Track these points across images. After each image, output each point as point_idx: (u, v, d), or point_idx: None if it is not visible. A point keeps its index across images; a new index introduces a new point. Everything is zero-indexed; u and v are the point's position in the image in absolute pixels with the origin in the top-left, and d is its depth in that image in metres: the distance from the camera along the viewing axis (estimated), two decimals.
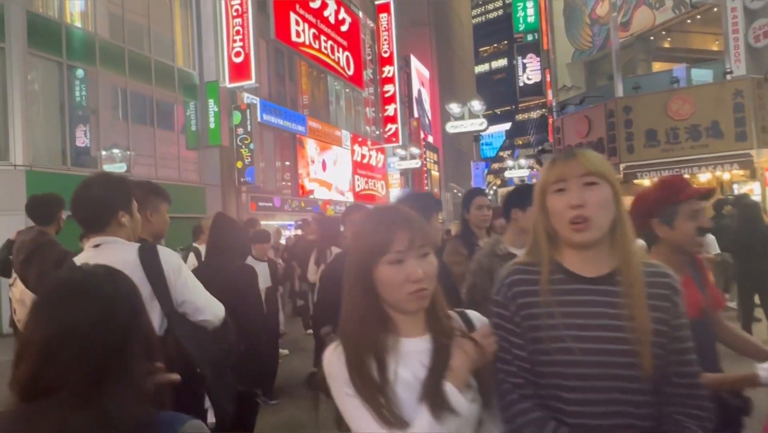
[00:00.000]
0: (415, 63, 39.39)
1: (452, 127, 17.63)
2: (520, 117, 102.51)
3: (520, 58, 17.88)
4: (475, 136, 18.46)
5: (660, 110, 12.06)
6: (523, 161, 32.90)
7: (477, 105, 17.41)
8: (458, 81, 54.90)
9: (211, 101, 16.51)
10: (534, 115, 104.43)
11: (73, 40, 13.27)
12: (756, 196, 11.60)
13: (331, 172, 24.57)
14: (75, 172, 12.74)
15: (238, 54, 17.39)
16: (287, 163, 21.95)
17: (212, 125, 16.53)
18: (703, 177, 11.87)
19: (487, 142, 71.55)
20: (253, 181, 17.11)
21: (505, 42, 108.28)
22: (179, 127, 16.67)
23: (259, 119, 18.29)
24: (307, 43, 22.66)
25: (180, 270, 2.07)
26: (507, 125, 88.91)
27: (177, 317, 2.02)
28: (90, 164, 13.49)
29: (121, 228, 2.04)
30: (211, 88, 16.71)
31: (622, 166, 12.31)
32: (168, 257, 2.05)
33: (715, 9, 12.47)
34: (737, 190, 11.92)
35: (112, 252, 1.94)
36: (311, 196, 22.54)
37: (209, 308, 2.13)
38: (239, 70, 17.36)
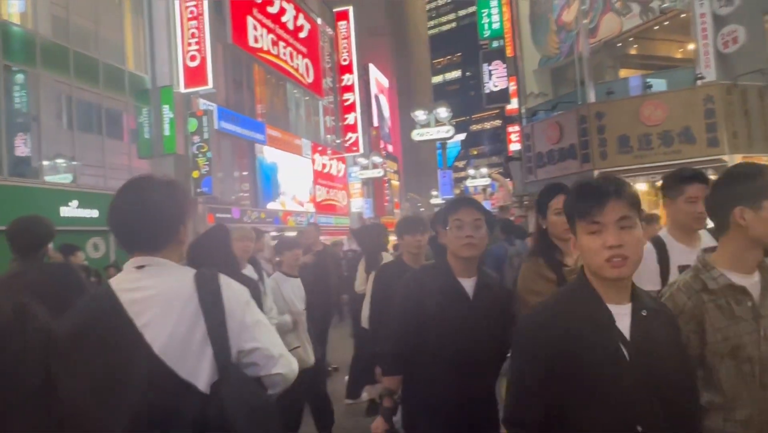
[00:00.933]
0: (374, 72, 39.10)
1: (418, 134, 17.19)
2: (474, 128, 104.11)
3: (485, 65, 17.65)
4: (442, 144, 18.07)
5: (632, 116, 11.93)
6: (484, 170, 32.94)
7: (443, 112, 17.03)
8: (417, 91, 54.99)
9: (165, 107, 15.55)
10: (488, 126, 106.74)
11: (11, 40, 12.16)
12: None
13: (291, 182, 23.77)
14: (13, 183, 11.63)
15: (193, 58, 16.50)
16: (245, 173, 21.06)
17: (167, 132, 15.56)
18: None
19: (440, 154, 72.05)
20: (210, 191, 16.20)
21: (459, 54, 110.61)
22: (130, 135, 15.62)
23: (216, 127, 17.40)
24: (266, 48, 21.91)
25: (249, 307, 1.60)
26: (462, 136, 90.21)
27: (234, 370, 1.52)
28: (31, 175, 12.36)
29: (178, 246, 1.62)
30: (165, 93, 15.75)
31: (595, 173, 12.11)
32: (234, 289, 1.59)
33: (683, 15, 12.50)
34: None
35: (164, 278, 1.53)
36: (271, 208, 21.68)
37: (285, 360, 1.62)
38: (195, 75, 16.47)
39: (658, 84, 12.06)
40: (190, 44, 16.54)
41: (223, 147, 19.02)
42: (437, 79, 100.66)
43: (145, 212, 1.53)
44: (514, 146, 32.45)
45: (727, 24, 11.52)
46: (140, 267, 1.53)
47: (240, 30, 19.77)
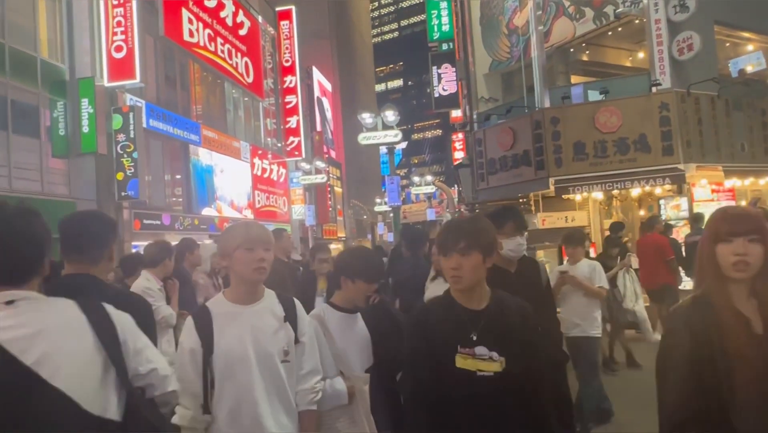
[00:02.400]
0: (317, 75, 38.05)
1: (365, 138, 16.34)
2: (415, 136, 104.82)
3: (434, 68, 17.04)
4: (389, 149, 17.30)
5: (588, 122, 11.54)
6: (429, 177, 32.50)
7: (391, 115, 16.26)
8: (360, 97, 54.25)
9: (84, 101, 14.01)
10: (429, 135, 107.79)
11: None
12: (683, 212, 11.37)
13: (228, 186, 22.37)
14: None
15: (119, 49, 15.01)
16: (178, 176, 19.54)
17: (86, 129, 14.01)
18: (635, 192, 11.48)
19: (384, 160, 71.76)
20: (137, 195, 14.71)
21: (401, 63, 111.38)
22: (44, 131, 13.95)
23: (144, 125, 15.92)
24: (202, 44, 20.52)
25: (137, 330, 1.67)
26: (403, 144, 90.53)
27: (139, 395, 1.62)
28: None
29: (40, 279, 1.56)
30: (84, 85, 14.20)
31: (551, 180, 11.63)
32: (122, 316, 1.64)
33: (637, 21, 12.28)
34: (664, 205, 11.65)
35: (44, 312, 1.49)
36: (206, 214, 20.23)
37: (173, 377, 1.75)
38: (121, 67, 14.98)
39: (615, 90, 11.70)
40: (115, 33, 15.04)
41: (153, 148, 17.50)
42: (380, 87, 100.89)
43: (3, 246, 1.48)
44: (459, 154, 32.25)
45: (681, 31, 11.34)
46: (9, 302, 1.47)
47: (173, 22, 18.34)
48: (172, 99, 19.32)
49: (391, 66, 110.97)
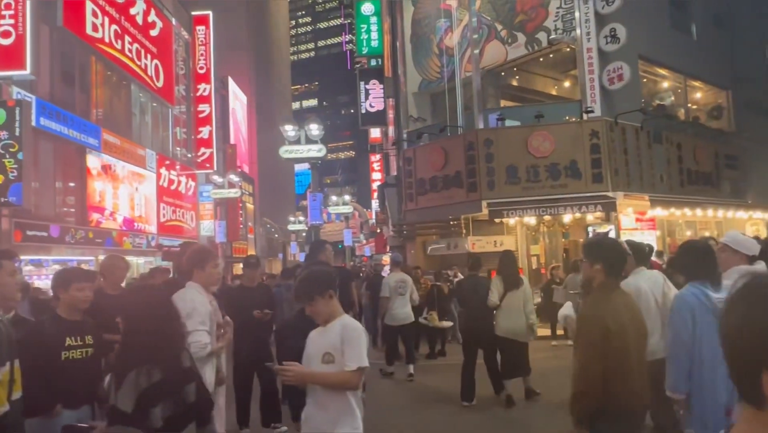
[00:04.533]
0: (233, 86, 36.43)
1: (287, 152, 15.36)
2: (329, 157, 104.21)
3: (362, 83, 16.49)
4: (313, 165, 16.43)
5: (521, 146, 11.39)
6: (347, 197, 31.82)
7: (315, 129, 15.42)
8: (277, 112, 52.82)
9: None
10: (342, 155, 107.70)
11: None
12: None
13: (128, 198, 20.39)
14: None
15: (6, 34, 13.16)
16: (72, 183, 17.46)
17: None
18: (566, 218, 11.40)
19: (302, 176, 70.67)
20: (19, 202, 12.79)
21: (316, 83, 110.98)
22: None
23: (34, 123, 14.01)
24: (107, 40, 18.71)
25: None
26: (317, 165, 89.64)
27: None
28: None
29: None
30: None
31: (484, 203, 11.30)
32: None
33: (568, 49, 12.41)
34: (592, 232, 11.66)
35: None
36: (104, 227, 18.20)
37: None
38: (7, 56, 13.14)
39: (548, 115, 11.65)
40: (3, 17, 13.18)
41: (43, 150, 15.48)
42: (295, 105, 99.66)
43: None
44: (377, 175, 31.88)
45: (611, 61, 11.52)
46: None
47: (74, 13, 16.51)
48: (68, 97, 17.32)
49: (306, 85, 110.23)
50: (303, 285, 2.84)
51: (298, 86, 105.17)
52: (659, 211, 11.97)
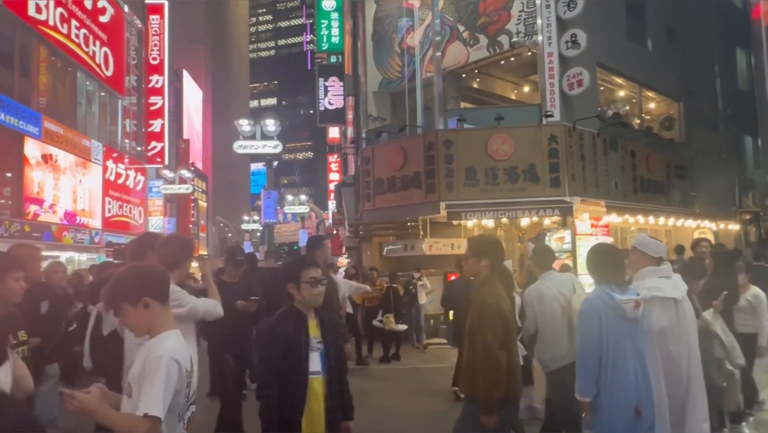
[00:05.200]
0: (188, 80, 35.37)
1: (241, 147, 14.86)
2: (287, 157, 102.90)
3: (321, 80, 16.11)
4: (268, 162, 15.95)
5: (481, 148, 11.28)
6: (303, 197, 31.28)
7: (271, 125, 14.99)
8: (233, 109, 51.67)
9: None
10: (300, 156, 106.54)
11: None
12: (566, 245, 11.43)
13: (70, 190, 19.34)
14: None
15: None
16: (9, 174, 16.42)
17: None
18: (524, 222, 11.34)
19: (257, 174, 69.37)
20: None
21: (276, 82, 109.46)
22: None
23: None
24: (52, 23, 17.76)
25: None
26: (274, 163, 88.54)
27: None
28: None
29: None
30: None
31: (442, 204, 11.13)
32: None
33: (529, 53, 12.40)
34: (549, 237, 11.65)
35: None
36: (42, 220, 17.17)
37: None
38: None
39: (507, 118, 11.57)
40: None
41: None
42: (253, 103, 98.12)
43: None
44: (334, 176, 31.45)
45: (571, 67, 11.56)
46: None
47: None
48: (6, 81, 16.30)
49: (266, 84, 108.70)
50: (108, 289, 2.10)
51: (257, 84, 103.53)
52: (614, 218, 12.08)
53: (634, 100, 15.95)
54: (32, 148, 16.81)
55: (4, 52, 16.50)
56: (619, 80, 14.58)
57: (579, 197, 11.26)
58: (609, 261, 3.33)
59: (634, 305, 3.14)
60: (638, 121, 15.27)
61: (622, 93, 15.29)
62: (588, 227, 11.82)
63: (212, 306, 3.67)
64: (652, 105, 16.48)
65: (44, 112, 17.52)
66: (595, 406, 3.14)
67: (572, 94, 11.48)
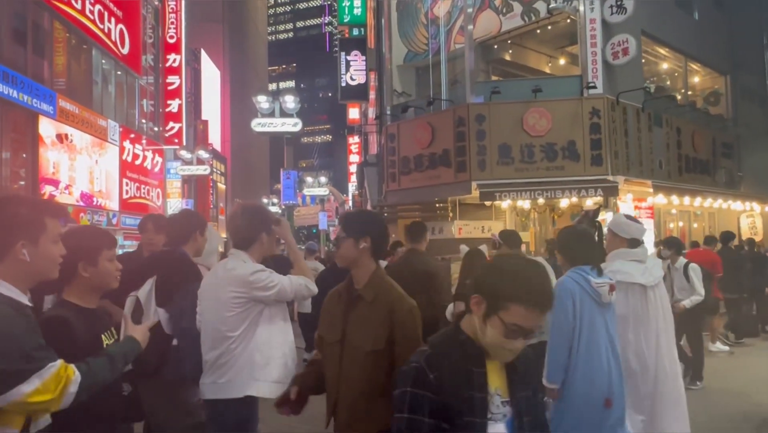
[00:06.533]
0: (206, 60, 34.79)
1: (259, 125, 14.23)
2: (305, 140, 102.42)
3: (343, 53, 15.33)
4: (287, 139, 15.30)
5: (516, 123, 10.46)
6: (323, 179, 30.69)
7: (291, 102, 14.32)
8: (252, 90, 51.09)
9: None
10: (318, 139, 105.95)
11: None
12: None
13: (88, 170, 18.93)
14: None
15: None
16: (24, 155, 16.02)
17: None
18: (563, 202, 10.52)
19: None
20: None
21: (294, 65, 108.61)
22: None
23: None
24: None
25: None
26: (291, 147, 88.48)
27: None
28: None
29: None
30: None
31: (474, 184, 10.36)
32: None
33: (568, 20, 11.47)
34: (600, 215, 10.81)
35: None
36: (58, 201, 16.77)
37: None
38: None
39: (545, 90, 10.69)
40: None
41: None
42: (272, 86, 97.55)
43: None
44: (354, 158, 30.71)
45: (615, 34, 10.63)
46: None
47: None
48: (18, 57, 15.79)
49: (284, 66, 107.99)
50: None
51: (276, 67, 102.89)
52: (660, 199, 11.18)
53: (676, 74, 14.92)
54: (47, 128, 16.36)
55: (15, 26, 15.99)
56: (663, 51, 13.56)
57: (623, 176, 10.41)
58: (585, 243, 3.15)
59: (609, 289, 2.97)
60: (682, 96, 14.27)
61: (666, 65, 14.26)
62: (632, 209, 10.97)
63: (303, 284, 2.94)
64: (696, 78, 15.42)
65: (59, 91, 17.04)
66: (562, 393, 2.93)
67: (617, 64, 10.57)
